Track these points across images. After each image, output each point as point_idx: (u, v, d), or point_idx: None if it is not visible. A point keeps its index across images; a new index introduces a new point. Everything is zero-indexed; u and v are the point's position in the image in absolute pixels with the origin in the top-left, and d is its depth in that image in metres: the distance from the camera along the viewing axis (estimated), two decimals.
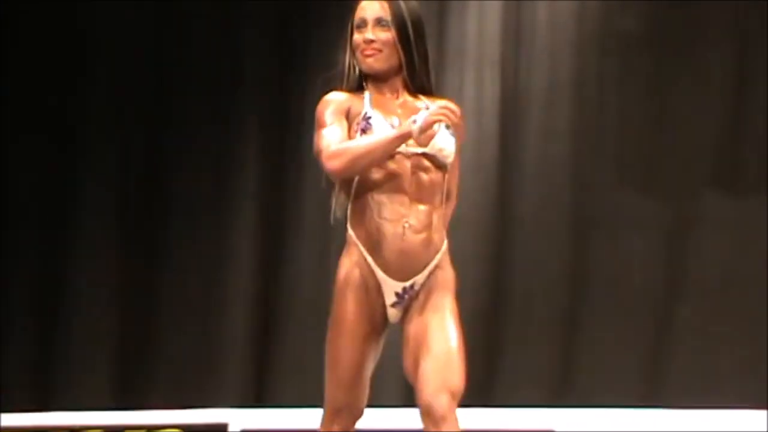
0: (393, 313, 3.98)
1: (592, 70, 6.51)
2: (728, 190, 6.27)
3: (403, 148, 3.91)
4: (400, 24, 4.01)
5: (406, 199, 3.93)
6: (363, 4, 4.05)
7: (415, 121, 3.86)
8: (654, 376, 6.26)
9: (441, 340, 3.93)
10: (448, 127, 3.95)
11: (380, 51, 3.98)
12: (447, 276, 3.98)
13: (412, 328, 3.98)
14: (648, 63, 6.40)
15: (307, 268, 6.86)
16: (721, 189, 6.28)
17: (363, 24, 4.03)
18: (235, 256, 7.06)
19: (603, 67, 6.49)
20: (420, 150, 3.91)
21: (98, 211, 7.14)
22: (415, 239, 3.92)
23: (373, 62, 4.00)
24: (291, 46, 7.13)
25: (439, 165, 3.94)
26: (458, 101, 6.23)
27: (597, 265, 6.36)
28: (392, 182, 3.97)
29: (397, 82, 4.04)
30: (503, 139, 6.62)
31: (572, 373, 6.38)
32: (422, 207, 3.93)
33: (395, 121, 3.97)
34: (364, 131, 3.98)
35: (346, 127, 4.03)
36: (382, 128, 3.97)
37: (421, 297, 3.96)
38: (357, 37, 4.02)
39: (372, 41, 3.98)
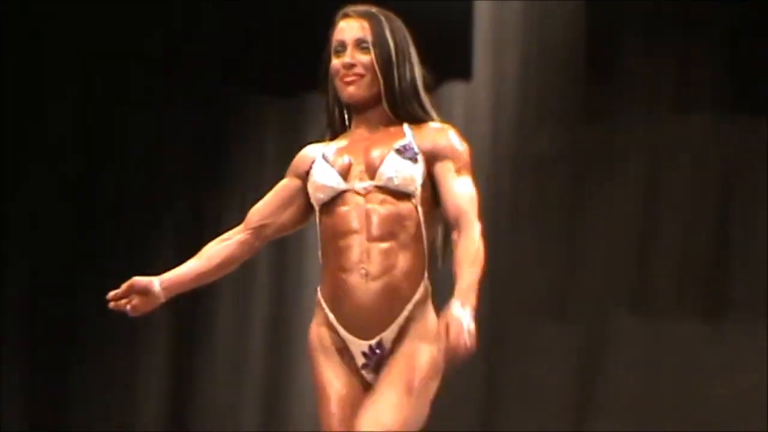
0: (368, 377, 3.61)
1: (506, 193, 6.51)
2: (639, 311, 6.31)
3: (349, 184, 3.60)
4: (381, 44, 3.64)
5: (363, 240, 3.56)
6: (341, 25, 3.69)
7: None
8: None
9: (378, 412, 3.50)
10: (399, 150, 3.60)
11: (362, 76, 3.61)
12: (426, 324, 3.53)
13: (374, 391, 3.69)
14: (561, 184, 6.47)
15: (222, 398, 6.78)
16: (632, 310, 6.32)
17: (342, 47, 3.66)
18: (146, 399, 6.94)
19: (517, 191, 6.51)
20: (367, 183, 3.58)
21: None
22: (375, 288, 3.52)
23: (355, 90, 3.63)
24: (210, 163, 7.00)
25: (402, 195, 3.57)
26: None
27: (513, 382, 6.35)
28: (346, 224, 3.59)
29: (381, 112, 3.67)
30: None
31: None
32: (382, 246, 3.54)
33: (348, 159, 3.63)
34: (297, 177, 3.70)
35: (287, 190, 3.71)
36: (321, 173, 3.66)
37: (391, 353, 3.57)
38: (335, 62, 3.66)
39: (352, 65, 3.62)
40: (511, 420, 6.34)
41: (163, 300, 3.70)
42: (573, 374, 6.33)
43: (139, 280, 3.67)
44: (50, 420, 7.27)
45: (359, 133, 3.67)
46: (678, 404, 6.17)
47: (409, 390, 3.49)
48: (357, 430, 3.48)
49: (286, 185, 3.74)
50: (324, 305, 3.58)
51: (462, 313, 3.27)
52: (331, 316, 3.55)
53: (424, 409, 3.53)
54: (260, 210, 3.76)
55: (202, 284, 3.79)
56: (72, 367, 7.27)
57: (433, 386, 3.54)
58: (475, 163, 6.23)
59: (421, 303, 3.50)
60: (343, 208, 3.57)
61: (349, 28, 3.63)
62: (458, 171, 3.58)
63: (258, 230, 3.74)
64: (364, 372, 3.56)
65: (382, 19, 3.66)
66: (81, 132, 7.41)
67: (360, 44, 3.60)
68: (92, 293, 6.96)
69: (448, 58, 6.41)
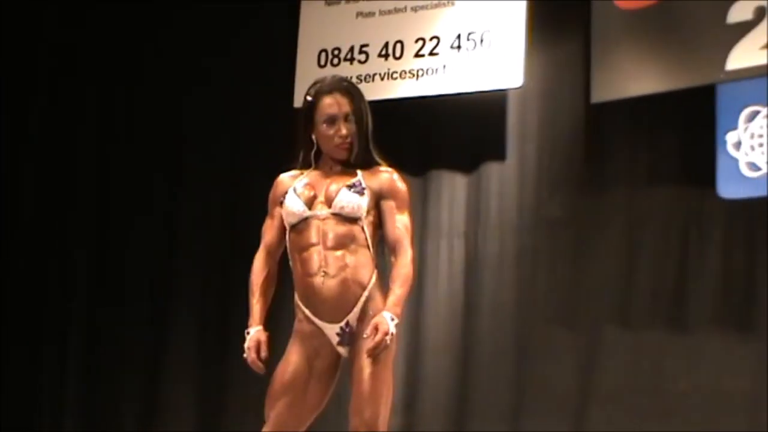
0: (342, 351, 3.97)
1: (528, 244, 7.01)
2: (623, 324, 6.72)
3: (310, 212, 3.92)
4: (361, 117, 3.95)
5: (320, 250, 3.89)
6: (329, 100, 3.96)
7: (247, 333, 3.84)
8: None
9: (362, 378, 3.84)
10: (349, 186, 3.92)
11: (351, 143, 3.96)
12: (378, 306, 3.87)
13: (351, 360, 3.92)
14: (567, 238, 6.94)
15: None
16: (618, 324, 6.74)
17: (333, 120, 3.95)
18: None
19: (536, 242, 7.01)
20: (325, 211, 3.92)
21: None
22: (333, 283, 3.85)
23: (347, 155, 3.98)
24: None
25: (349, 219, 3.90)
26: (434, 262, 7.08)
27: (533, 376, 6.85)
28: (308, 240, 3.92)
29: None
30: (467, 291, 7.11)
31: None
32: (336, 253, 3.88)
33: (313, 192, 3.94)
34: (280, 204, 4.02)
35: (278, 216, 4.01)
36: (291, 203, 3.95)
37: (359, 330, 3.89)
38: (329, 131, 3.93)
39: (346, 136, 3.94)
40: (533, 404, 6.80)
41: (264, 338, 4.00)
42: (576, 370, 6.75)
43: (261, 346, 3.98)
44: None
45: (323, 171, 4.00)
46: (653, 396, 6.51)
47: (377, 377, 3.84)
48: (354, 409, 3.86)
49: (278, 213, 4.04)
50: (300, 305, 3.97)
51: (389, 322, 3.73)
52: (307, 312, 3.95)
53: (392, 381, 3.91)
54: (273, 239, 4.05)
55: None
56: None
57: (392, 367, 3.90)
58: (506, 221, 6.91)
59: (375, 286, 3.92)
60: (306, 229, 3.93)
61: (339, 104, 3.95)
62: (398, 208, 3.95)
63: (276, 255, 4.09)
64: (339, 348, 3.96)
65: (357, 95, 3.97)
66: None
67: (347, 117, 3.95)
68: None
69: (487, 144, 7.09)
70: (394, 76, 7.05)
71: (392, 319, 3.72)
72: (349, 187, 3.89)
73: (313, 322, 3.93)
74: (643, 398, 6.57)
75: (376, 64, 7.08)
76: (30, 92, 7.78)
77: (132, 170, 7.86)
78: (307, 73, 7.05)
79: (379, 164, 3.99)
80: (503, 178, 7.10)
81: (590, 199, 6.87)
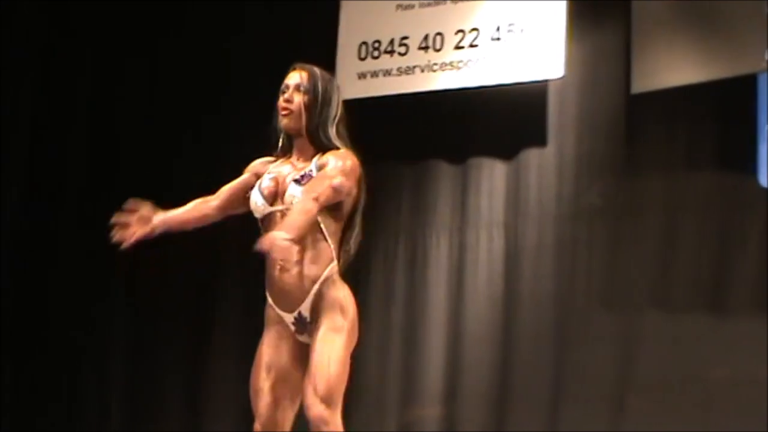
0: (302, 338, 4.06)
1: (567, 232, 7.10)
2: (662, 308, 6.79)
3: (271, 208, 4.00)
4: (312, 90, 4.01)
5: None
6: (290, 74, 4.09)
7: None
8: None
9: (314, 358, 3.90)
10: (296, 180, 3.98)
11: (293, 112, 4.01)
12: (332, 295, 3.95)
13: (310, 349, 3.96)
14: (606, 223, 7.00)
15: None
16: (656, 308, 6.80)
17: (286, 89, 4.05)
18: None
19: (575, 230, 7.09)
20: (281, 207, 4.01)
21: None
22: (288, 275, 3.95)
23: (288, 121, 4.04)
24: None
25: None
26: (474, 252, 7.21)
27: (572, 364, 6.91)
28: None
29: (307, 142, 4.06)
30: (507, 279, 7.19)
31: None
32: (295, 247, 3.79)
33: (273, 186, 4.00)
34: (255, 176, 4.13)
35: (236, 188, 4.14)
36: (255, 197, 4.04)
37: (312, 319, 3.99)
38: (279, 100, 4.06)
39: (289, 102, 4.02)
40: (572, 389, 6.87)
41: (154, 234, 4.06)
42: (616, 358, 6.80)
43: (146, 205, 4.05)
44: None
45: (292, 159, 4.08)
46: (692, 383, 6.57)
47: (329, 353, 3.90)
48: (304, 393, 3.91)
49: (246, 181, 4.16)
50: (267, 294, 4.09)
51: (277, 234, 3.69)
52: (270, 301, 4.07)
53: (347, 363, 3.95)
54: (226, 196, 4.18)
55: (181, 230, 4.18)
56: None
57: (348, 351, 3.95)
58: (546, 211, 7.01)
59: (328, 281, 3.98)
60: (270, 224, 3.99)
61: (294, 77, 4.06)
62: (329, 170, 3.95)
63: (221, 210, 4.20)
64: (298, 336, 4.06)
65: (317, 73, 4.07)
66: None
67: (298, 88, 4.04)
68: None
69: (528, 134, 7.20)
70: (435, 68, 7.11)
71: (278, 231, 3.72)
72: (296, 180, 3.97)
73: (275, 310, 4.09)
74: (683, 386, 6.61)
75: (416, 57, 7.16)
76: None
77: (164, 177, 7.90)
78: (347, 66, 7.16)
79: (336, 147, 4.06)
80: (543, 168, 7.18)
81: (630, 189, 6.94)
